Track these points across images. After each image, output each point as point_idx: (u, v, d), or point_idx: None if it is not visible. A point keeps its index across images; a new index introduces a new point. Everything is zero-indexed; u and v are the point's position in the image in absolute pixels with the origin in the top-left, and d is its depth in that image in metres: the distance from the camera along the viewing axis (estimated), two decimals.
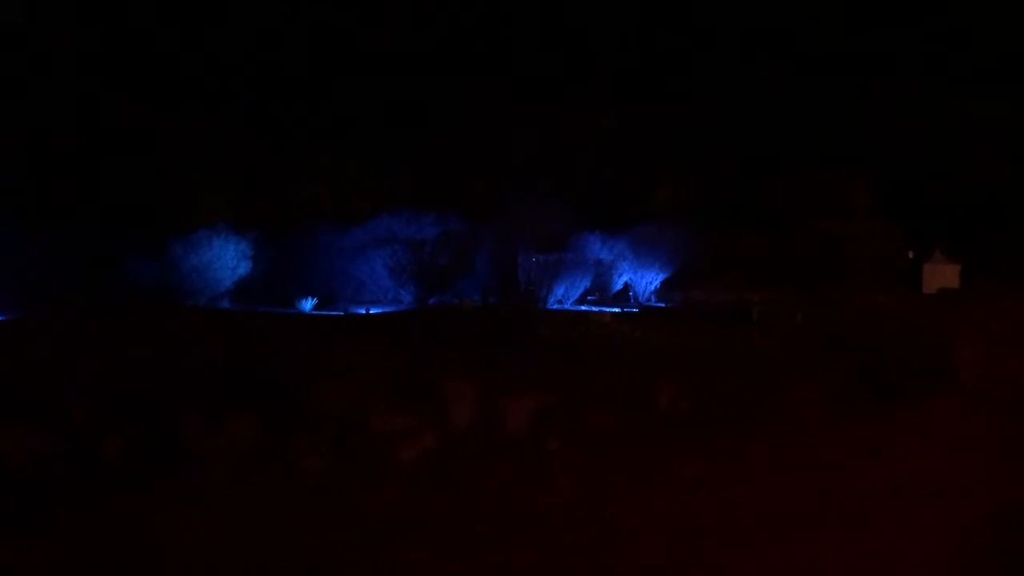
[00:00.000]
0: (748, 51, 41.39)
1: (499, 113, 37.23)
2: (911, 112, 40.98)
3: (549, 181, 31.71)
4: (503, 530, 7.05)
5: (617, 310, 26.67)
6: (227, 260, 26.51)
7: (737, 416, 11.26)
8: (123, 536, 6.78)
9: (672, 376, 13.49)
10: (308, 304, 25.82)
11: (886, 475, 8.79)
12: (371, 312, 24.83)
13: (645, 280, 31.62)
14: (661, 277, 31.74)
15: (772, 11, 41.92)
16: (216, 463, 8.44)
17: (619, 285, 31.39)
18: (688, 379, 13.27)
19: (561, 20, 40.39)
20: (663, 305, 30.32)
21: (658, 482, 8.42)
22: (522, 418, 10.37)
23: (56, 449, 8.68)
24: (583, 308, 27.41)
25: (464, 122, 36.38)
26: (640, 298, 31.36)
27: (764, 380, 13.41)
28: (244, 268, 26.90)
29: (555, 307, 27.29)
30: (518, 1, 39.73)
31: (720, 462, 9.09)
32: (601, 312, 25.31)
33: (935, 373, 12.94)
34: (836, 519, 7.42)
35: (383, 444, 9.13)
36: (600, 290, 30.34)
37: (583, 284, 29.04)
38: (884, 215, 32.05)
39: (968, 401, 12.50)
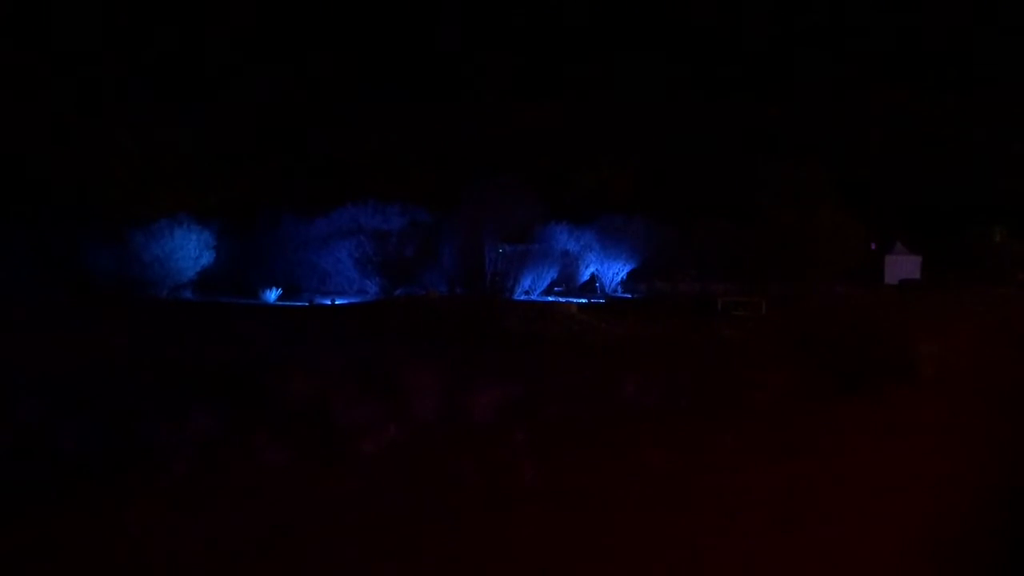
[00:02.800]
0: (711, 45, 41.59)
1: (466, 106, 37.13)
2: (874, 109, 41.53)
3: (516, 172, 31.70)
4: (466, 522, 7.00)
5: (584, 301, 26.72)
6: (189, 250, 26.21)
7: (703, 406, 11.31)
8: (82, 531, 6.64)
9: (638, 366, 13.53)
10: (272, 295, 25.59)
11: (848, 465, 8.86)
12: (336, 303, 24.66)
13: (611, 271, 31.75)
14: (627, 268, 31.90)
15: (737, 9, 42.17)
16: (178, 455, 8.29)
17: (586, 276, 31.49)
18: (654, 369, 13.32)
19: (527, 16, 40.35)
20: (629, 296, 30.45)
21: (624, 472, 8.42)
22: (488, 409, 10.32)
23: (9, 442, 8.49)
24: (550, 299, 27.43)
25: (428, 114, 36.24)
26: (606, 289, 31.48)
27: (730, 370, 13.49)
28: (207, 258, 26.61)
29: (522, 298, 27.28)
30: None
31: (686, 452, 9.12)
32: (568, 303, 25.34)
33: (897, 363, 13.08)
34: (800, 509, 7.46)
35: (347, 436, 9.03)
36: (567, 281, 30.42)
37: (550, 275, 29.07)
38: (847, 208, 32.41)
39: (929, 390, 12.66)
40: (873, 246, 36.51)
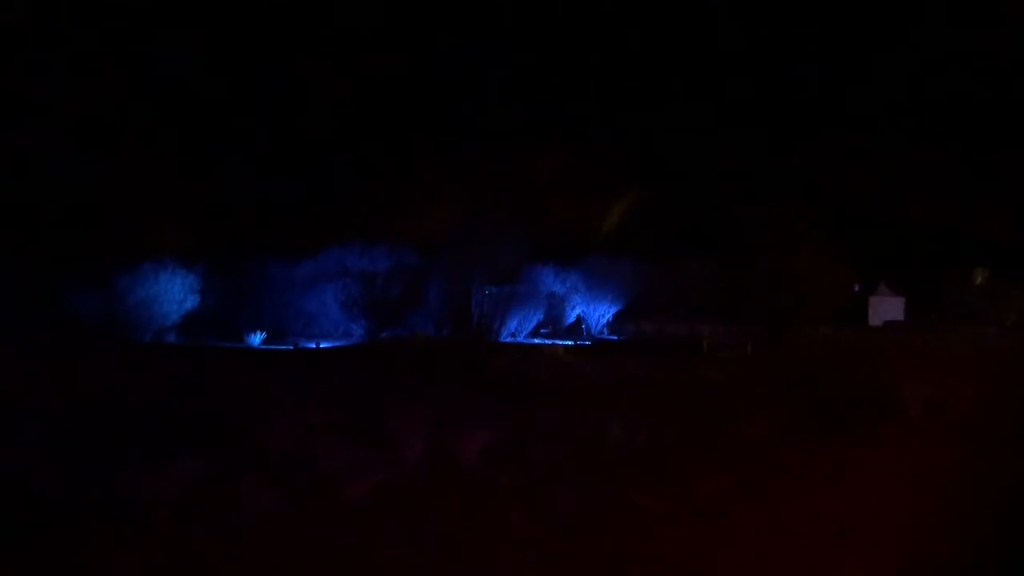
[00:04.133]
0: (699, 88, 42.16)
1: (450, 150, 37.39)
2: (858, 152, 42.10)
3: (502, 214, 31.86)
4: (455, 569, 6.93)
5: (570, 343, 26.72)
6: (174, 294, 26.09)
7: (690, 448, 11.27)
8: None
9: (625, 409, 13.50)
10: (257, 338, 25.47)
11: (832, 508, 8.84)
12: (321, 346, 24.55)
13: (597, 313, 31.79)
14: (613, 309, 31.95)
15: (726, 51, 42.84)
16: (160, 502, 8.18)
17: (572, 318, 31.51)
18: (641, 412, 13.29)
19: (511, 58, 40.82)
20: (615, 338, 30.47)
21: (611, 517, 8.36)
22: (474, 453, 10.26)
23: None
24: (536, 341, 27.42)
25: (418, 157, 36.45)
26: (593, 331, 31.49)
27: (716, 412, 13.48)
28: (192, 302, 26.49)
29: (508, 340, 27.25)
30: (466, 43, 40.19)
31: (673, 495, 9.07)
32: (554, 345, 25.32)
33: (881, 404, 13.12)
34: (789, 555, 7.42)
35: (332, 481, 8.94)
36: (553, 323, 30.42)
37: (536, 317, 29.06)
38: (830, 249, 32.64)
39: (913, 432, 12.68)
40: (857, 287, 36.76)
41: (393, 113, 37.82)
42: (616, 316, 32.19)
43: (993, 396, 15.46)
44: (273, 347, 24.69)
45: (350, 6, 38.71)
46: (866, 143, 42.25)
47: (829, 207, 37.77)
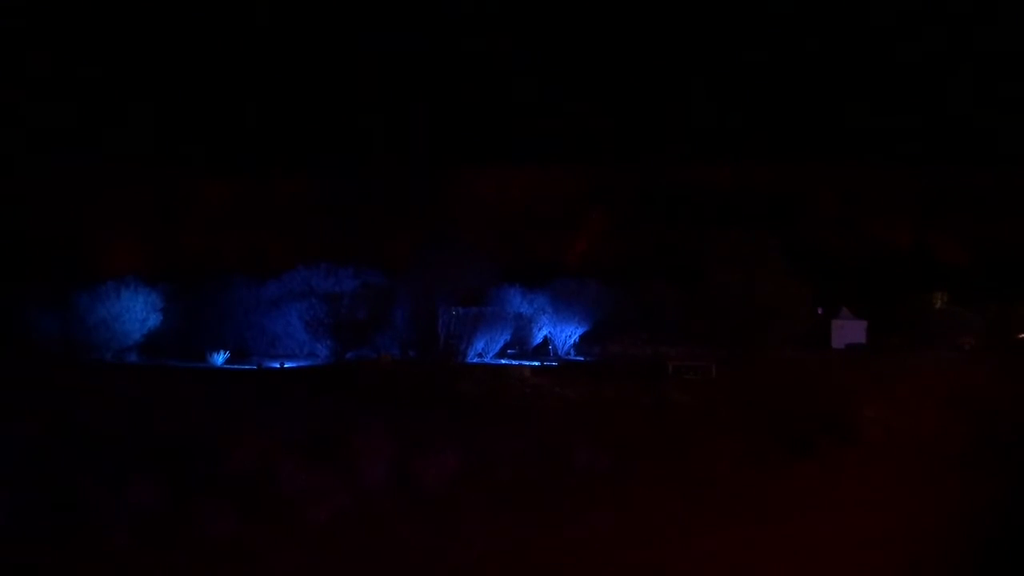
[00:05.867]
0: (665, 114, 42.63)
1: (420, 170, 37.42)
2: (821, 179, 42.76)
3: (469, 235, 31.84)
4: None
5: (537, 364, 26.66)
6: (136, 312, 25.71)
7: (653, 470, 11.28)
8: None
9: (590, 431, 13.48)
10: (220, 358, 25.13)
11: (791, 533, 8.87)
12: (285, 367, 24.29)
13: (564, 334, 31.78)
14: (580, 331, 31.95)
15: (692, 80, 43.42)
16: (118, 525, 8.03)
17: (539, 339, 31.46)
18: (606, 434, 13.28)
19: (479, 81, 41.08)
20: (582, 359, 30.45)
21: (573, 541, 8.33)
22: (439, 475, 10.19)
23: None
24: (503, 362, 27.31)
25: (384, 178, 36.42)
26: (560, 352, 31.46)
27: (680, 434, 13.51)
28: (154, 320, 26.12)
29: (475, 361, 27.12)
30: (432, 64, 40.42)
31: (635, 518, 9.06)
32: (521, 366, 25.25)
33: (842, 427, 13.22)
34: None
35: (294, 505, 8.83)
36: (520, 343, 30.33)
37: (503, 337, 28.96)
38: (794, 273, 32.96)
39: (873, 457, 12.79)
40: (820, 311, 37.16)
41: (360, 135, 37.83)
42: (583, 337, 32.22)
43: (951, 420, 15.67)
44: (236, 367, 24.38)
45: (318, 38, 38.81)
46: (829, 170, 42.92)
47: (793, 232, 38.26)
